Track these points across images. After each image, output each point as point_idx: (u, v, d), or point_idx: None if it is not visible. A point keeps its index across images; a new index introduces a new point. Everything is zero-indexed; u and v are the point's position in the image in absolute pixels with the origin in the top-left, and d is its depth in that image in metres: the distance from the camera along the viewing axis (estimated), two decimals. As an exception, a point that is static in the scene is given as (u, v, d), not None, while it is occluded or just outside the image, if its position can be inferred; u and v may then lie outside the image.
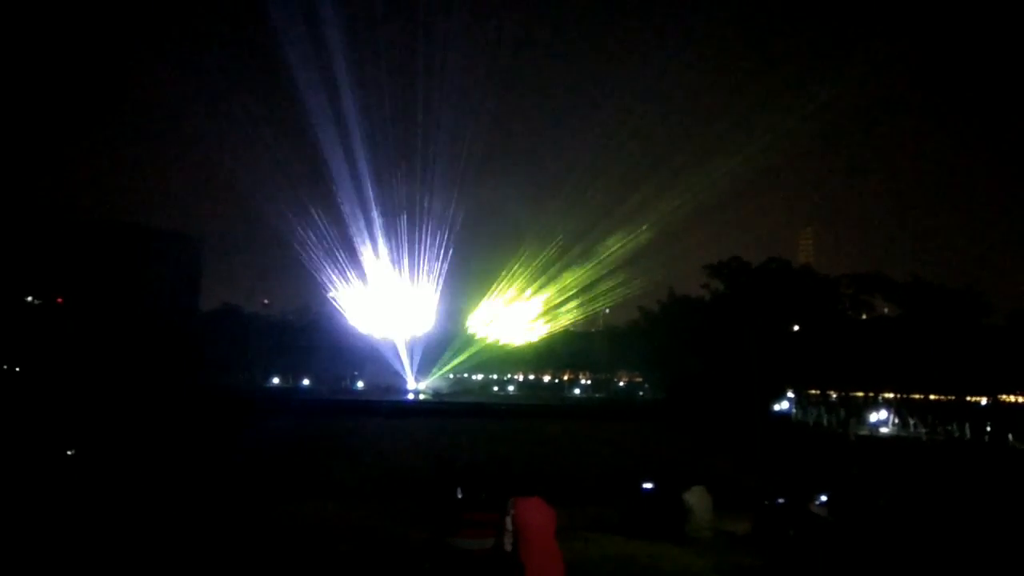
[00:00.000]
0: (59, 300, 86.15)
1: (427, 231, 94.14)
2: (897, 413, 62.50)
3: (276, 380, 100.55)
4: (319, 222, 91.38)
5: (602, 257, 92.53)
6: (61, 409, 37.63)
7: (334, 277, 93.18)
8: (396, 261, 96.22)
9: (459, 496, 13.07)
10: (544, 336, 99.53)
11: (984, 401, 61.17)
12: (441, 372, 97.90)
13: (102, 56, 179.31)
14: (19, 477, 16.03)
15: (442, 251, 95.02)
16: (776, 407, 65.51)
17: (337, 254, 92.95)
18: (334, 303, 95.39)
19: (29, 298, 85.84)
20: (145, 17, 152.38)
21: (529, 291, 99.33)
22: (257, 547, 11.61)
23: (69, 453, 19.78)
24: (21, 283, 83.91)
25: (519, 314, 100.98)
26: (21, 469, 16.98)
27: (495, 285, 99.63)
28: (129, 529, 12.16)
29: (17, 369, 74.83)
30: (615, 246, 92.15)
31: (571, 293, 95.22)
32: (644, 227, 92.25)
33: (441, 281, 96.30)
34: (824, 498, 12.30)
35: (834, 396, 68.43)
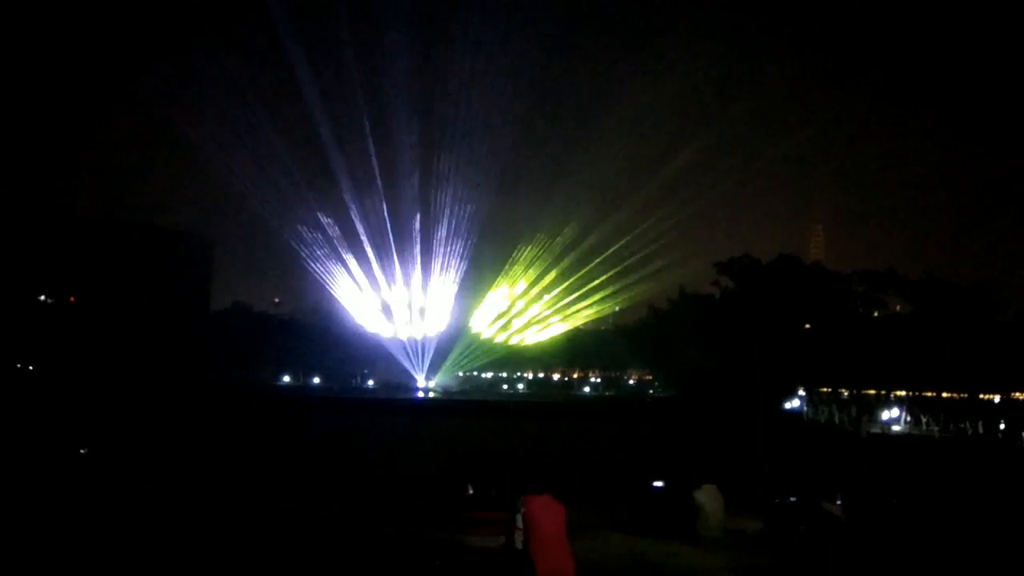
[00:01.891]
0: (72, 299, 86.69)
1: (442, 231, 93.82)
2: (909, 411, 62.18)
3: (287, 378, 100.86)
4: (330, 221, 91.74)
5: (613, 256, 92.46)
6: (74, 407, 37.94)
7: (345, 276, 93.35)
8: (409, 261, 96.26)
9: (470, 494, 13.09)
10: (554, 335, 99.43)
11: (997, 399, 60.80)
12: (451, 370, 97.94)
13: (116, 57, 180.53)
14: (33, 475, 16.14)
15: (460, 251, 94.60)
16: (787, 405, 65.26)
17: (349, 253, 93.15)
18: (344, 302, 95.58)
19: (42, 297, 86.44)
20: (159, 18, 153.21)
21: (539, 289, 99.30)
22: (266, 545, 11.64)
23: (82, 452, 19.90)
24: (34, 282, 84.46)
25: (529, 312, 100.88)
26: (35, 468, 17.10)
27: (505, 283, 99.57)
28: (141, 527, 12.23)
29: (31, 368, 75.44)
30: (626, 244, 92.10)
31: (581, 292, 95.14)
32: (654, 226, 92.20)
33: (458, 281, 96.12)
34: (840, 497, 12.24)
35: (846, 394, 68.12)
